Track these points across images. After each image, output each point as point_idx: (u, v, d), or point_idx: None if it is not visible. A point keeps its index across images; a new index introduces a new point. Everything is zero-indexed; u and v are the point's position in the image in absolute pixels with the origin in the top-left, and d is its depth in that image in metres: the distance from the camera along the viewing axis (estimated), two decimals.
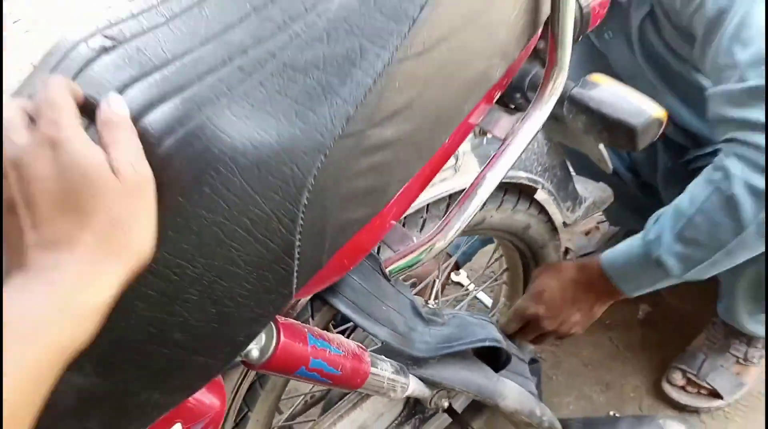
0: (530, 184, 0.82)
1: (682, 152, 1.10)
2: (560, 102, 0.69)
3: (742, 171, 0.77)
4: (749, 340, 1.21)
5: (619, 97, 0.66)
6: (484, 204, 0.65)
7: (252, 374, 0.72)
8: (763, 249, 0.82)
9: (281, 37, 0.46)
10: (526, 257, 0.99)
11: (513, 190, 0.85)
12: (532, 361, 1.04)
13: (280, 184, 0.42)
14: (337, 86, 0.44)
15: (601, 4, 0.69)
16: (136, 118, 0.42)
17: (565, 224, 0.96)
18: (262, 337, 0.55)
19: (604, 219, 1.50)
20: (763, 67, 0.76)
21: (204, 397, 0.55)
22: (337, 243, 0.50)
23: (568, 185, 0.91)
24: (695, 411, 1.20)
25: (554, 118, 0.70)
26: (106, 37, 0.50)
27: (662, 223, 0.85)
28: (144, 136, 0.41)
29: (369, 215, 0.51)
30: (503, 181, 0.72)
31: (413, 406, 0.90)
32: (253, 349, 0.54)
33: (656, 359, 1.29)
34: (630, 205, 1.24)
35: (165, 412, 0.50)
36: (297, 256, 0.46)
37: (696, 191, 0.83)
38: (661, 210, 0.87)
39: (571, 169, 0.93)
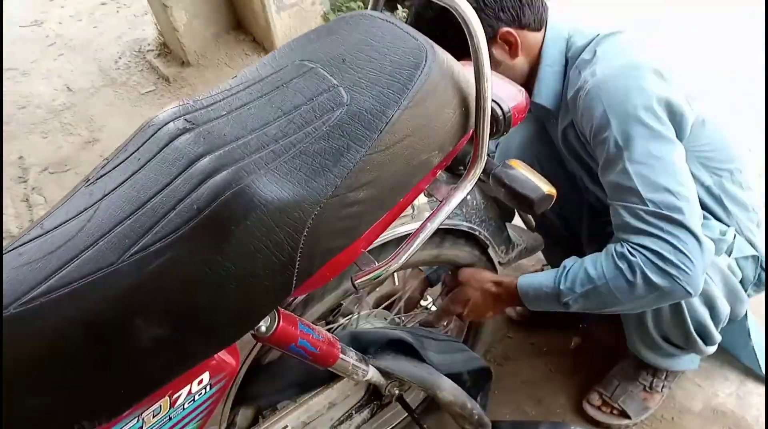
0: (470, 231, 1.11)
1: (601, 215, 1.39)
2: (488, 176, 1.00)
3: (643, 268, 1.06)
4: (655, 372, 1.48)
5: (525, 177, 0.96)
6: (440, 241, 0.95)
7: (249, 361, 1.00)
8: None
9: (300, 134, 0.76)
10: None
11: (460, 235, 1.14)
12: (485, 376, 1.32)
13: (291, 222, 0.71)
14: (331, 167, 0.74)
15: (519, 109, 0.99)
16: (205, 179, 0.71)
17: (500, 263, 1.25)
18: (268, 319, 0.84)
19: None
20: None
21: (225, 356, 0.83)
22: (322, 261, 0.78)
23: (503, 233, 1.20)
24: (607, 427, 1.48)
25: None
26: (186, 121, 0.80)
27: (574, 279, 1.13)
28: (213, 191, 0.70)
29: (345, 245, 0.80)
30: (452, 227, 1.02)
31: (372, 393, 1.17)
32: (262, 326, 0.83)
33: (581, 382, 1.56)
34: (561, 247, 1.52)
35: (201, 361, 0.79)
36: (296, 267, 0.75)
37: (606, 267, 1.11)
38: (573, 263, 1.15)
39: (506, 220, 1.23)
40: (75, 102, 2.89)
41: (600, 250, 1.15)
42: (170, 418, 0.80)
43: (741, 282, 1.32)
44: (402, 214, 0.98)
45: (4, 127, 2.75)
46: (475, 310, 1.22)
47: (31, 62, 3.20)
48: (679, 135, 1.14)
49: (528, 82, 1.27)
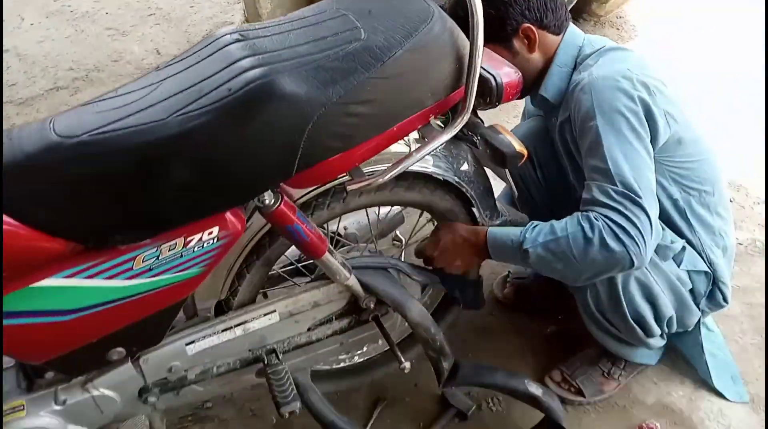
0: (458, 186, 1.31)
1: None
2: (477, 134, 1.21)
3: (602, 230, 1.21)
4: (614, 361, 1.63)
5: (503, 137, 1.17)
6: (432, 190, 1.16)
7: (251, 246, 1.22)
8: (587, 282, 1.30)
9: (321, 55, 0.98)
10: None
11: (450, 189, 1.34)
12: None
13: (300, 113, 0.94)
14: (339, 80, 0.96)
15: (511, 85, 1.19)
16: (242, 73, 0.95)
17: (482, 225, 1.43)
18: (272, 196, 1.06)
19: None
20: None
21: (234, 219, 1.05)
22: (320, 157, 1.00)
23: (489, 200, 1.39)
24: (563, 401, 1.62)
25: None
26: (239, 34, 1.04)
27: (539, 231, 1.29)
28: (245, 80, 0.93)
29: (341, 148, 1.01)
30: (443, 179, 1.23)
31: (353, 306, 1.37)
32: (267, 199, 1.05)
33: (547, 363, 1.71)
34: None
35: (214, 213, 1.02)
36: (299, 153, 0.97)
37: (569, 224, 1.28)
38: (540, 223, 1.33)
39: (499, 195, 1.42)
40: (160, 64, 3.24)
41: None
42: (181, 256, 1.03)
43: (692, 294, 1.46)
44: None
45: (97, 74, 3.13)
46: (443, 252, 1.37)
47: (131, 26, 3.59)
48: (652, 142, 1.31)
49: (539, 77, 1.47)
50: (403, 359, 1.36)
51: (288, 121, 0.94)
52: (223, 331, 1.25)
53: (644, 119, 1.29)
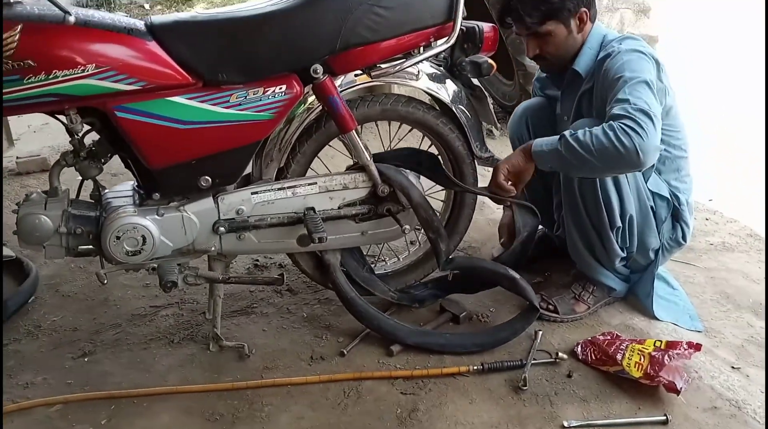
0: (453, 109, 1.83)
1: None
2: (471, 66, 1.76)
3: (616, 130, 1.56)
4: (584, 285, 1.98)
5: (479, 56, 1.72)
6: (428, 109, 1.72)
7: (304, 126, 1.75)
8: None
9: None
10: (453, 163, 1.94)
11: (446, 111, 1.86)
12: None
13: (346, 4, 1.54)
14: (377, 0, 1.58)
15: (489, 34, 1.76)
16: None
17: (474, 155, 1.92)
18: (321, 69, 1.61)
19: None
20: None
21: (296, 83, 1.61)
22: (354, 43, 1.58)
23: (480, 132, 1.90)
24: (540, 318, 1.95)
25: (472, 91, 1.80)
26: None
27: (575, 128, 1.66)
28: None
29: (369, 40, 1.59)
30: (440, 100, 1.78)
31: (372, 196, 1.82)
32: (319, 70, 1.61)
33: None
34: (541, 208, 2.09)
35: (285, 72, 1.58)
36: (341, 33, 1.56)
37: (596, 128, 1.59)
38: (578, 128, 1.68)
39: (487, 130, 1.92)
40: None
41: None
42: (260, 100, 1.59)
43: (654, 216, 1.86)
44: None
45: None
46: (513, 170, 1.73)
47: None
48: None
49: (573, 56, 1.89)
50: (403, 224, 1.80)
51: (336, 8, 1.54)
52: (278, 190, 1.74)
53: (656, 88, 1.70)
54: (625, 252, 1.90)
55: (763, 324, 1.95)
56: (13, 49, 1.37)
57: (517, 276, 1.83)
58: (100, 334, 1.94)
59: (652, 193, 1.85)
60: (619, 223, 1.83)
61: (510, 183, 1.75)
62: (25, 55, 1.38)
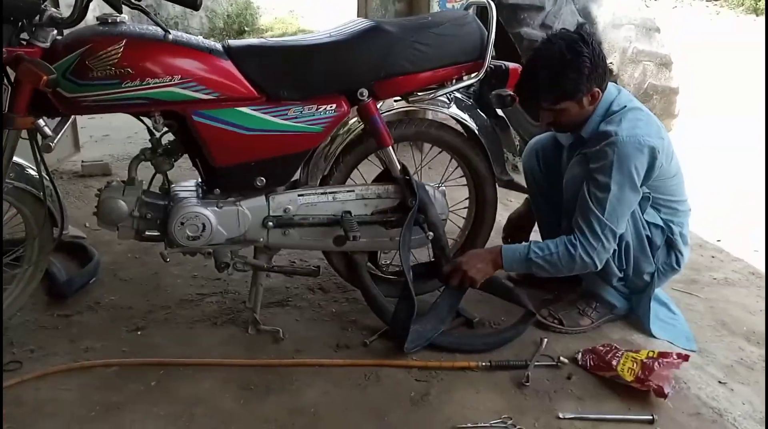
0: (476, 133, 2.08)
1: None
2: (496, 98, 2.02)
3: (581, 253, 1.91)
4: (588, 302, 2.17)
5: (501, 89, 1.98)
6: (458, 135, 1.98)
7: (347, 142, 2.01)
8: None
9: (405, 20, 1.88)
10: (476, 184, 2.19)
11: (475, 139, 2.11)
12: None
13: (391, 39, 1.83)
14: (414, 30, 1.85)
15: (514, 72, 2.01)
16: (365, 22, 1.85)
17: (495, 177, 2.15)
18: (366, 92, 1.88)
19: None
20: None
21: (344, 103, 1.87)
22: (396, 71, 1.85)
23: (501, 157, 2.14)
24: (547, 328, 2.14)
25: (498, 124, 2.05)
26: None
27: (542, 248, 1.95)
28: (365, 22, 1.84)
29: (409, 70, 1.86)
30: (468, 127, 2.04)
31: (401, 206, 2.04)
32: (364, 93, 1.87)
33: (541, 305, 2.25)
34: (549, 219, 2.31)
35: (335, 94, 1.86)
36: (386, 62, 1.83)
37: (559, 245, 1.93)
38: (540, 242, 2.00)
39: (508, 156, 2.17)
40: None
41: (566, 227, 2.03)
42: (313, 115, 1.85)
43: (650, 243, 2.06)
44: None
45: None
46: (469, 258, 2.02)
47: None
48: (645, 180, 1.94)
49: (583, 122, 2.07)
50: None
51: (383, 42, 1.82)
52: (321, 194, 2.00)
53: (646, 174, 1.90)
54: (622, 273, 2.10)
55: (753, 349, 2.11)
56: (117, 58, 1.66)
57: (510, 285, 2.10)
58: (152, 314, 2.19)
59: (648, 223, 2.05)
60: (615, 247, 2.03)
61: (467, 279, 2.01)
62: (126, 64, 1.67)
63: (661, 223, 2.06)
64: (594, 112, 1.98)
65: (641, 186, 1.93)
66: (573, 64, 1.86)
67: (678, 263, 2.12)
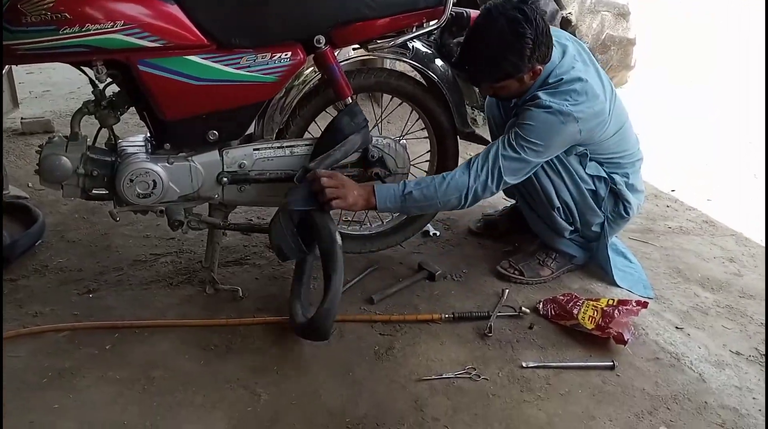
0: (438, 83, 2.02)
1: None
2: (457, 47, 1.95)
3: (470, 185, 1.84)
4: (547, 252, 2.18)
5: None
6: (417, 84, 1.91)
7: (303, 93, 1.93)
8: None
9: None
10: (438, 137, 2.15)
11: (434, 86, 2.05)
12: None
13: None
14: None
15: (473, 18, 1.96)
16: None
17: (456, 129, 2.11)
18: (323, 40, 1.79)
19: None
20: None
21: (300, 51, 1.78)
22: (354, 18, 1.77)
23: (463, 108, 2.10)
24: (508, 279, 2.15)
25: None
26: None
27: (417, 183, 1.84)
28: None
29: (367, 17, 1.78)
30: (428, 76, 1.97)
31: (363, 159, 2.01)
32: (321, 41, 1.79)
33: (501, 257, 2.26)
34: None
35: (291, 41, 1.76)
36: (344, 7, 1.74)
37: (447, 177, 1.84)
38: (420, 178, 1.93)
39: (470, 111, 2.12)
40: None
41: None
42: (267, 64, 1.76)
43: (595, 196, 2.06)
44: None
45: None
46: (342, 186, 1.77)
47: None
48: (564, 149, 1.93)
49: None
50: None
51: None
52: (278, 148, 1.92)
53: (566, 144, 1.90)
54: (572, 226, 2.12)
55: (708, 295, 2.17)
56: (52, 2, 1.53)
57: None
58: (104, 275, 2.10)
59: (591, 175, 2.04)
60: (557, 205, 2.04)
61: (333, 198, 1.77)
62: (62, 8, 1.54)
63: (604, 175, 2.06)
64: (535, 83, 1.90)
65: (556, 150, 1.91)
66: (514, 46, 1.77)
67: (626, 211, 2.12)
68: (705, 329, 1.98)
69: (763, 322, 2.01)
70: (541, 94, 1.85)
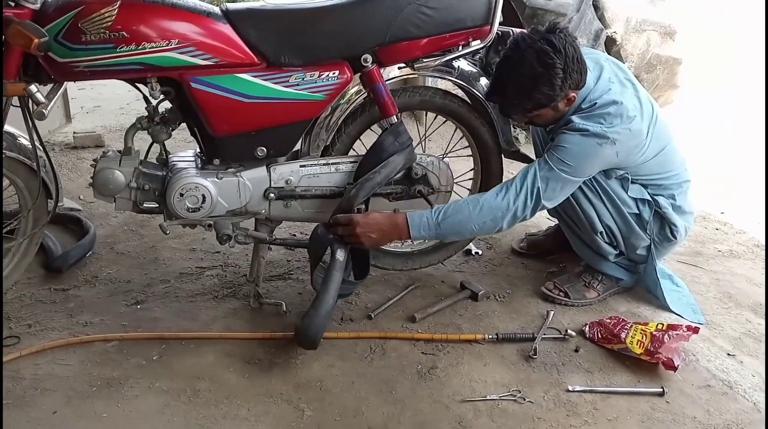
0: (482, 101, 2.02)
1: None
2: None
3: (508, 205, 1.83)
4: (594, 274, 2.14)
5: None
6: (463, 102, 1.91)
7: (349, 110, 1.95)
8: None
9: None
10: (482, 155, 2.14)
11: (480, 111, 2.05)
12: None
13: (398, 4, 1.75)
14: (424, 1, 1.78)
15: None
16: None
17: (500, 148, 2.10)
18: (370, 59, 1.81)
19: None
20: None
21: (347, 70, 1.80)
22: (401, 37, 1.79)
23: (507, 127, 2.09)
24: (553, 300, 2.12)
25: None
26: None
27: (448, 209, 1.84)
28: None
29: (414, 35, 1.79)
30: (474, 95, 1.97)
31: (407, 177, 2.01)
32: (369, 60, 1.81)
33: (546, 278, 2.23)
34: None
35: (339, 60, 1.79)
36: (390, 29, 1.76)
37: (482, 198, 1.85)
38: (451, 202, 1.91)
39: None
40: None
41: None
42: (315, 82, 1.79)
43: (640, 219, 2.02)
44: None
45: None
46: (366, 224, 1.80)
47: None
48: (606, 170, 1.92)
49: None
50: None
51: (388, 5, 1.75)
52: (323, 165, 1.94)
53: (603, 166, 1.88)
54: (617, 250, 2.07)
55: (761, 321, 2.10)
56: (111, 21, 1.59)
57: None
58: (151, 287, 2.15)
59: (635, 199, 2.00)
60: (600, 229, 2.01)
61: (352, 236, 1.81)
62: (120, 27, 1.60)
63: (648, 197, 2.01)
64: (569, 108, 1.89)
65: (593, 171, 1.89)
66: (544, 77, 1.75)
67: (673, 234, 2.07)
68: (758, 357, 1.91)
69: None
70: (575, 118, 1.85)
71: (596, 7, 3.50)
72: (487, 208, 1.83)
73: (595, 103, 1.85)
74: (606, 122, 1.81)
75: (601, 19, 3.52)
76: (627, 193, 1.99)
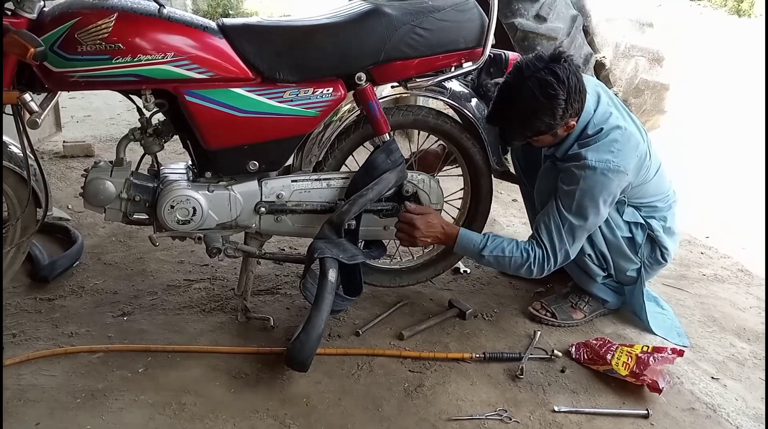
0: (474, 122, 2.04)
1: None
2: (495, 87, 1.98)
3: (532, 262, 1.91)
4: (581, 295, 2.16)
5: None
6: (456, 123, 1.94)
7: (342, 127, 1.96)
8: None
9: (407, 4, 1.83)
10: (472, 175, 2.16)
11: (473, 130, 2.07)
12: None
13: (392, 23, 1.77)
14: (415, 14, 1.80)
15: (511, 61, 1.99)
16: (365, 4, 1.81)
17: (491, 168, 2.12)
18: (364, 77, 1.83)
19: None
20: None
21: (341, 87, 1.82)
22: (395, 56, 1.81)
23: (497, 148, 2.11)
24: (540, 320, 2.13)
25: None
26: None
27: (495, 246, 1.92)
28: (365, 5, 1.79)
29: (408, 55, 1.82)
30: (466, 116, 2.00)
31: (397, 194, 2.01)
32: (362, 78, 1.83)
33: (533, 298, 2.24)
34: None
35: (333, 77, 1.81)
36: (385, 48, 1.78)
37: (515, 249, 1.92)
38: (497, 237, 1.95)
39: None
40: None
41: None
42: (309, 98, 1.80)
43: (632, 242, 2.04)
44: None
45: None
46: (426, 225, 1.93)
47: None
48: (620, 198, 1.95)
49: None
50: None
51: (383, 25, 1.77)
52: (315, 180, 1.95)
53: (615, 196, 1.90)
54: (606, 272, 2.10)
55: (744, 345, 2.12)
56: (107, 32, 1.60)
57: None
58: (138, 299, 2.13)
59: (629, 222, 2.02)
60: (589, 252, 2.03)
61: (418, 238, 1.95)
62: (116, 39, 1.61)
63: (641, 220, 2.04)
64: (570, 134, 1.90)
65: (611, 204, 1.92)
66: (546, 107, 1.77)
67: (663, 257, 2.10)
68: (742, 381, 1.93)
69: None
70: (584, 152, 1.85)
71: (586, 32, 3.56)
72: (519, 260, 1.94)
73: (601, 128, 1.86)
74: (615, 150, 1.84)
75: (591, 44, 3.57)
76: (621, 216, 2.01)
